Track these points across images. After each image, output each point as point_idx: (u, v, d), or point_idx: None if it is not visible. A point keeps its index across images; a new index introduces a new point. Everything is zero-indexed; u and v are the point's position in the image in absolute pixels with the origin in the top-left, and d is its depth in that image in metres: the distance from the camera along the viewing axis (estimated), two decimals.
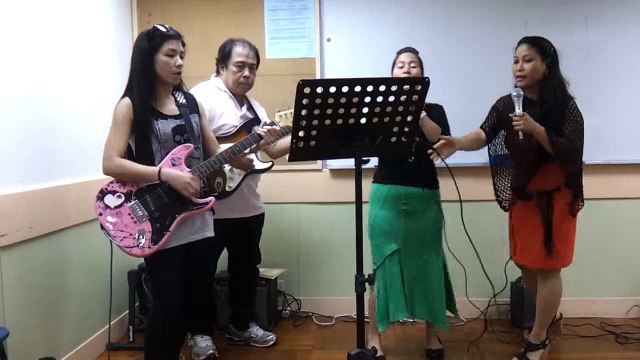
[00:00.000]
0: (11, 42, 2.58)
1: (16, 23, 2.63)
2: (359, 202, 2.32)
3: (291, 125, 2.53)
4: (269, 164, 3.11)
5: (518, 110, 2.73)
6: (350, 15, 3.79)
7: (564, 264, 2.95)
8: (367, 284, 2.25)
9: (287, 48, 3.85)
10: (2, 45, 2.52)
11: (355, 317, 2.28)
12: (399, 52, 3.10)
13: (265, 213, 3.74)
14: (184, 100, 2.61)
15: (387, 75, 3.10)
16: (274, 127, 2.79)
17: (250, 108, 3.26)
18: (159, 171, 2.43)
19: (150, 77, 2.46)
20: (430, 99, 2.26)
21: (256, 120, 3.21)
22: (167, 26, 2.49)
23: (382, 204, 3.05)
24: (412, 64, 3.02)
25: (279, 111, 2.86)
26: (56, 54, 2.94)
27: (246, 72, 3.13)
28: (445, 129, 3.03)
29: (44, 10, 2.85)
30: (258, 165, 3.03)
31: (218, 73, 3.21)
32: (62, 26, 3.00)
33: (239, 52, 3.12)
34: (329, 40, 3.81)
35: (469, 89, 3.70)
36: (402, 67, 3.02)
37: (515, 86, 2.87)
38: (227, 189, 3.01)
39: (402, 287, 3.02)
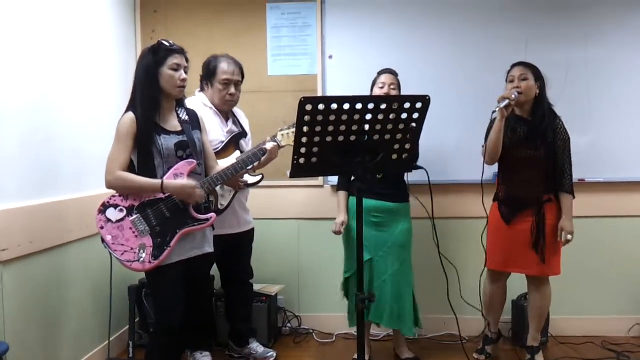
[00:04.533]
0: (15, 54, 2.60)
1: (20, 35, 2.65)
2: (360, 219, 2.33)
3: (292, 144, 2.55)
4: (258, 178, 3.08)
5: (499, 108, 2.98)
6: (352, 33, 3.82)
7: (557, 271, 3.16)
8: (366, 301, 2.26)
9: (289, 65, 3.88)
10: (4, 56, 2.53)
11: (356, 334, 2.28)
12: (380, 73, 3.27)
13: (266, 229, 3.77)
14: (187, 117, 2.63)
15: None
16: (276, 145, 2.81)
17: (236, 122, 3.26)
18: (162, 183, 2.44)
19: (154, 91, 2.48)
20: (430, 117, 2.28)
21: (243, 134, 3.22)
22: (171, 41, 2.52)
23: (354, 215, 3.10)
24: (392, 86, 3.21)
25: (281, 130, 2.88)
26: (59, 67, 2.96)
27: (232, 90, 3.11)
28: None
29: (48, 23, 2.87)
30: (248, 179, 3.02)
31: (202, 89, 3.19)
32: (66, 39, 3.03)
33: (224, 70, 3.10)
34: (330, 57, 3.84)
35: (469, 107, 3.72)
36: (382, 88, 3.20)
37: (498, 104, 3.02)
38: (219, 207, 3.01)
39: None
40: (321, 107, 2.10)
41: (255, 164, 2.78)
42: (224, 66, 3.11)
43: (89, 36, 3.29)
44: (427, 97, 2.20)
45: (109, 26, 3.58)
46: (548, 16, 3.72)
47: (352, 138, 2.21)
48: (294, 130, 2.72)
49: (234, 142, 3.13)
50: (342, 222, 3.23)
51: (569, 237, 3.07)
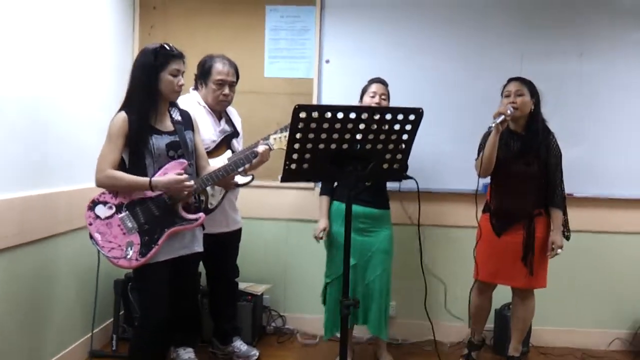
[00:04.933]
0: (7, 46, 2.58)
1: (15, 27, 2.63)
2: (348, 226, 2.36)
3: (284, 148, 2.57)
4: (249, 178, 3.09)
5: (495, 123, 2.99)
6: (350, 38, 3.83)
7: (543, 284, 3.20)
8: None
9: (286, 67, 3.89)
10: None
11: (339, 336, 2.31)
12: (371, 82, 3.30)
13: (256, 228, 3.79)
14: (179, 117, 2.64)
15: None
16: (269, 148, 2.83)
17: (229, 121, 3.28)
18: (150, 181, 2.45)
19: (152, 95, 2.49)
20: (422, 127, 2.30)
21: (235, 134, 3.24)
22: (171, 45, 2.52)
23: (341, 221, 3.17)
24: (382, 96, 3.25)
25: (274, 133, 2.90)
26: (53, 61, 2.95)
27: (226, 90, 3.12)
28: None
29: (45, 17, 2.86)
30: (239, 179, 3.03)
31: (196, 87, 3.19)
32: (62, 33, 3.02)
33: (219, 70, 3.10)
34: (327, 62, 3.85)
35: (463, 116, 3.75)
36: (373, 97, 3.24)
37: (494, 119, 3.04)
38: (209, 206, 3.02)
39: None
40: (315, 114, 2.12)
41: (247, 166, 2.80)
42: (218, 66, 3.11)
43: (87, 30, 3.29)
44: (420, 110, 2.22)
45: (107, 21, 3.57)
46: (544, 31, 3.75)
47: (345, 146, 2.23)
48: (286, 134, 2.75)
49: (226, 141, 3.14)
50: (324, 228, 3.26)
51: (559, 250, 3.11)
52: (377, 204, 3.26)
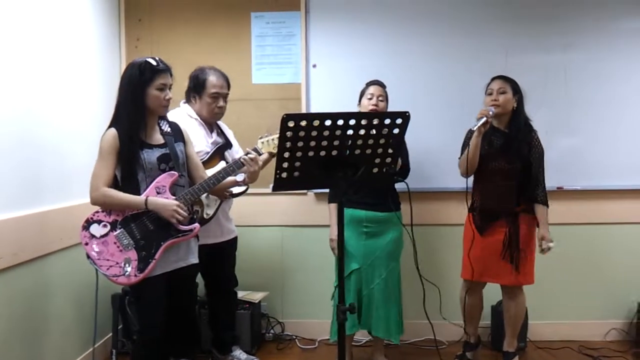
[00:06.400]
0: None
1: (3, 45, 2.63)
2: (341, 231, 2.37)
3: (273, 151, 2.59)
4: (243, 188, 3.10)
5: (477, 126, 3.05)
6: (336, 42, 3.86)
7: (531, 280, 3.22)
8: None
9: (273, 73, 3.90)
10: None
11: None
12: (369, 84, 3.31)
13: (251, 236, 3.79)
14: (169, 129, 2.65)
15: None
16: (256, 156, 2.83)
17: (221, 133, 3.29)
18: (146, 200, 2.46)
19: (140, 110, 2.49)
20: (411, 127, 2.32)
21: (227, 145, 3.25)
22: (157, 59, 2.52)
23: (345, 226, 3.14)
24: (380, 98, 3.24)
25: (261, 138, 2.90)
26: (42, 76, 2.94)
27: (220, 103, 3.15)
28: (405, 157, 3.28)
29: (32, 32, 2.86)
30: (233, 189, 3.03)
31: (188, 100, 3.19)
32: (49, 48, 3.02)
33: (213, 83, 3.12)
34: (314, 66, 3.87)
35: (451, 114, 3.77)
36: (370, 99, 3.24)
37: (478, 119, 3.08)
38: (204, 216, 3.03)
39: (358, 304, 3.21)
40: (303, 123, 2.13)
41: (246, 177, 2.80)
42: (212, 79, 3.12)
43: (73, 45, 3.28)
44: (407, 113, 2.24)
45: (93, 35, 3.57)
46: (527, 26, 3.78)
47: (334, 153, 2.24)
48: (274, 137, 2.76)
49: (219, 153, 3.15)
50: (337, 235, 3.25)
51: (551, 244, 3.13)
52: (381, 207, 3.22)
